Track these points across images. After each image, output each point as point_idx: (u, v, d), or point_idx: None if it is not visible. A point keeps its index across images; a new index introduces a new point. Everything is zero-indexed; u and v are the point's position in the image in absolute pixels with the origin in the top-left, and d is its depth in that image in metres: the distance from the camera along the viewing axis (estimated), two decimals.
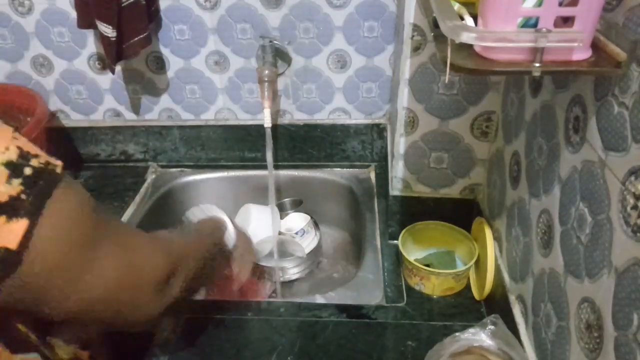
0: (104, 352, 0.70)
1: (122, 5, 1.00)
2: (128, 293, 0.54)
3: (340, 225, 1.30)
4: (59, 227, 0.46)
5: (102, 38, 1.04)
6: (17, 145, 0.45)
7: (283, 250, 1.15)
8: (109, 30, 1.01)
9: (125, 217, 1.15)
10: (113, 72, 1.10)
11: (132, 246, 0.56)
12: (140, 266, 0.55)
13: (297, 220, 1.23)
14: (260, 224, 1.12)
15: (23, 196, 0.43)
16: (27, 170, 0.44)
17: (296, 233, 1.18)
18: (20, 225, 0.43)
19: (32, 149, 0.46)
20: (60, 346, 0.64)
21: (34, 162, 0.45)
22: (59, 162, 0.48)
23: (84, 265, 0.49)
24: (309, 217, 1.23)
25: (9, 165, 0.43)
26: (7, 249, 0.42)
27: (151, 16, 1.08)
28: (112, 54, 1.05)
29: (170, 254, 0.60)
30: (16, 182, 0.43)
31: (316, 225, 1.23)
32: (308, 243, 1.18)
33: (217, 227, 0.82)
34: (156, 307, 0.58)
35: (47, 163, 0.46)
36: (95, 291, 0.50)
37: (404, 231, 0.97)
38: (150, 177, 1.29)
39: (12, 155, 0.44)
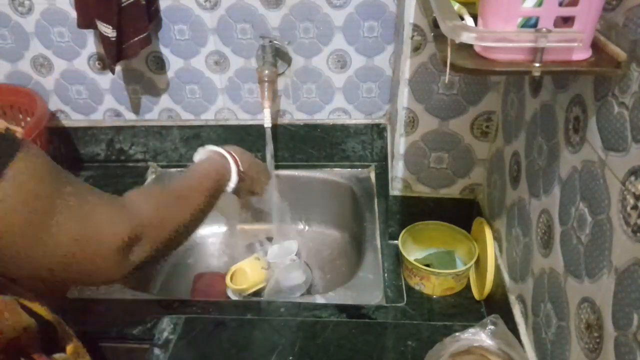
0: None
1: (122, 5, 1.00)
2: (86, 259, 0.54)
3: (340, 225, 1.30)
4: (20, 189, 0.47)
5: (102, 38, 1.04)
6: None
7: (284, 281, 1.11)
8: (109, 30, 1.01)
9: None
10: (113, 72, 1.10)
11: (92, 212, 0.55)
12: (99, 234, 0.55)
13: (284, 249, 1.20)
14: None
15: None
16: None
17: (295, 255, 1.15)
18: None
19: None
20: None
21: None
22: (18, 129, 0.49)
23: (43, 229, 0.49)
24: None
25: None
26: None
27: (151, 16, 1.08)
28: (112, 54, 1.05)
29: (136, 220, 0.60)
30: None
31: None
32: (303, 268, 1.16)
33: (214, 169, 0.82)
34: (119, 271, 0.58)
35: (7, 128, 0.48)
36: (53, 256, 0.51)
37: (404, 231, 0.97)
38: (150, 177, 1.29)
39: None
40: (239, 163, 0.86)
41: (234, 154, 0.88)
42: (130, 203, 0.62)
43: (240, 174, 0.85)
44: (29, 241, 0.49)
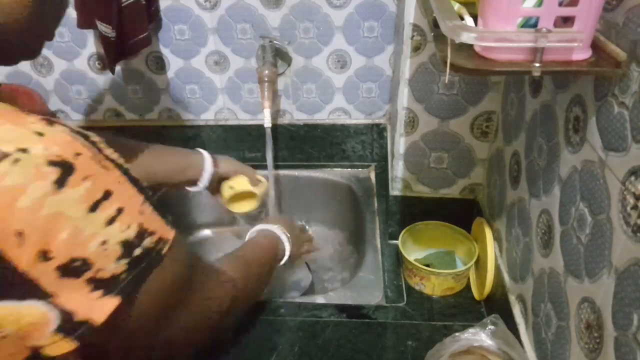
0: None
1: (122, 5, 1.00)
2: (192, 334, 0.57)
3: (340, 225, 1.30)
4: (143, 307, 0.48)
5: (102, 38, 1.04)
6: (140, 222, 0.46)
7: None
8: (108, 30, 1.01)
9: None
10: (113, 72, 1.10)
11: (208, 292, 0.59)
12: (208, 308, 0.59)
13: None
14: None
15: (123, 275, 0.45)
16: (137, 251, 0.45)
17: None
18: (111, 303, 0.44)
19: (152, 224, 0.47)
20: None
21: (147, 241, 0.46)
22: (170, 236, 0.49)
23: (157, 332, 0.52)
24: None
25: (124, 244, 0.44)
26: (91, 324, 0.43)
27: (151, 16, 1.08)
28: (112, 54, 1.05)
29: (234, 290, 0.64)
30: (123, 262, 0.44)
31: None
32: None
33: (274, 245, 0.88)
34: (205, 339, 0.62)
35: (159, 241, 0.48)
36: (164, 346, 0.54)
37: (404, 231, 0.97)
38: None
39: (131, 233, 0.45)
40: (291, 242, 0.92)
41: (288, 234, 0.92)
42: (227, 273, 0.66)
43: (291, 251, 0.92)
44: (142, 344, 0.52)
